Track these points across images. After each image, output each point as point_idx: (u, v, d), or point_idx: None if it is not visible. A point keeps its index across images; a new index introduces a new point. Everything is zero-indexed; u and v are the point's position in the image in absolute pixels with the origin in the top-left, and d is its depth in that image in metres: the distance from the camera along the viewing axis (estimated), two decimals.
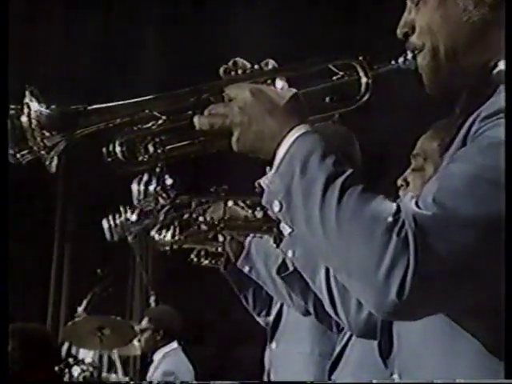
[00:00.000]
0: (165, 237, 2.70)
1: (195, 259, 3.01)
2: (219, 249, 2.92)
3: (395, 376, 1.50)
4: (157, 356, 5.52)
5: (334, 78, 1.60)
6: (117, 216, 2.71)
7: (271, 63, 1.55)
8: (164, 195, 2.38)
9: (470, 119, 1.34)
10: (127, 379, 5.96)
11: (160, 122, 1.52)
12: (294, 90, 1.49)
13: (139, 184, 2.41)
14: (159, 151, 1.52)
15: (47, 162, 1.46)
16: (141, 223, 2.66)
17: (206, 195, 2.59)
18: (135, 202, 2.46)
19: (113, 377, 5.68)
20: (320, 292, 2.11)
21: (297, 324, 2.70)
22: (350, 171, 1.34)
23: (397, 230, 1.24)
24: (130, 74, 5.77)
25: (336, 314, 2.12)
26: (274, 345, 2.90)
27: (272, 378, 2.87)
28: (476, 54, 1.49)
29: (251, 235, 2.72)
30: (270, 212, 1.44)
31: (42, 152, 1.44)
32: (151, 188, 2.39)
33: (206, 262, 3.02)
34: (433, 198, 1.26)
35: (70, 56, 5.96)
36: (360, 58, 1.58)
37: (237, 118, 1.45)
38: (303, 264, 2.10)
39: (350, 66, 1.58)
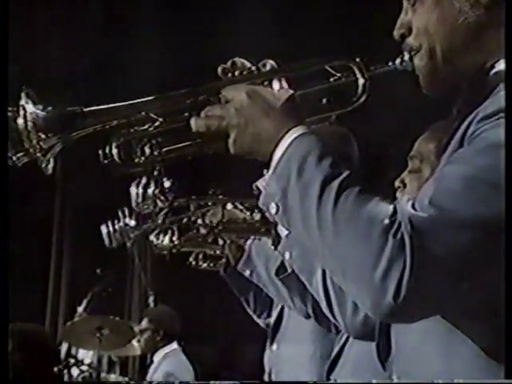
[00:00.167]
0: (163, 241, 2.70)
1: (194, 262, 3.01)
2: (218, 252, 2.92)
3: (394, 377, 1.50)
4: (157, 357, 5.52)
5: (331, 79, 1.60)
6: (115, 221, 2.71)
7: (269, 64, 1.55)
8: (162, 198, 2.38)
9: (467, 120, 1.34)
10: (126, 379, 5.96)
11: (157, 123, 1.52)
12: (291, 92, 1.49)
13: (137, 187, 2.42)
14: (156, 153, 1.52)
15: (43, 165, 1.46)
16: (140, 228, 2.66)
17: (204, 198, 2.59)
18: (134, 204, 2.46)
19: (112, 377, 5.68)
20: (317, 294, 2.12)
21: (298, 326, 2.70)
22: (346, 173, 1.34)
23: (393, 232, 1.24)
24: (130, 74, 5.76)
25: (333, 315, 2.12)
26: (275, 347, 2.89)
27: (274, 380, 2.87)
28: (472, 55, 1.49)
29: (251, 238, 2.72)
30: (267, 214, 1.44)
31: (38, 154, 1.44)
32: (149, 191, 2.39)
33: (205, 265, 3.02)
34: (429, 199, 1.26)
35: (68, 57, 5.96)
36: (357, 59, 1.57)
37: (233, 120, 1.45)
38: (300, 266, 2.10)
39: (347, 67, 1.58)
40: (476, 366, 1.32)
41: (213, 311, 6.15)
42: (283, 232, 2.00)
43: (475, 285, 1.27)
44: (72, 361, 5.03)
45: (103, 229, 2.74)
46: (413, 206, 1.27)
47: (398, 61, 1.56)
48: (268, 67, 1.54)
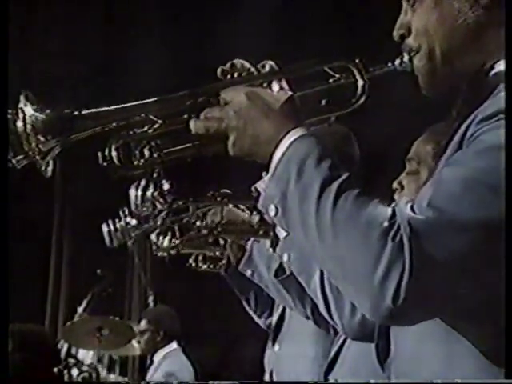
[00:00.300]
0: (162, 243, 2.70)
1: (193, 264, 3.01)
2: (217, 253, 2.92)
3: (393, 378, 1.50)
4: (157, 357, 5.52)
5: (331, 80, 1.60)
6: (116, 220, 2.71)
7: (269, 65, 1.54)
8: (161, 200, 2.38)
9: (466, 122, 1.34)
10: (126, 379, 5.97)
11: (156, 125, 1.52)
12: (290, 93, 1.49)
13: (136, 189, 2.42)
14: (155, 155, 1.52)
15: (43, 168, 1.46)
16: (141, 227, 2.66)
17: (203, 200, 2.59)
18: (133, 207, 2.46)
19: (112, 377, 5.68)
20: (315, 295, 2.12)
21: (300, 327, 2.69)
22: (345, 175, 1.34)
23: (392, 235, 1.24)
24: (130, 75, 5.76)
25: (330, 317, 2.12)
26: (276, 347, 2.89)
27: (275, 380, 2.87)
28: (472, 56, 1.49)
29: (252, 238, 2.72)
30: (266, 216, 1.44)
31: (37, 157, 1.44)
32: (148, 193, 2.39)
33: (205, 266, 3.02)
34: (428, 202, 1.26)
35: (68, 57, 5.96)
36: (356, 60, 1.57)
37: (232, 122, 1.45)
38: (298, 268, 2.10)
39: (346, 68, 1.58)
40: (475, 368, 1.32)
41: (213, 311, 6.14)
42: (281, 234, 2.00)
43: (474, 287, 1.26)
44: (72, 361, 5.02)
45: (104, 228, 2.73)
46: (412, 209, 1.27)
47: (397, 62, 1.56)
48: (267, 68, 1.54)
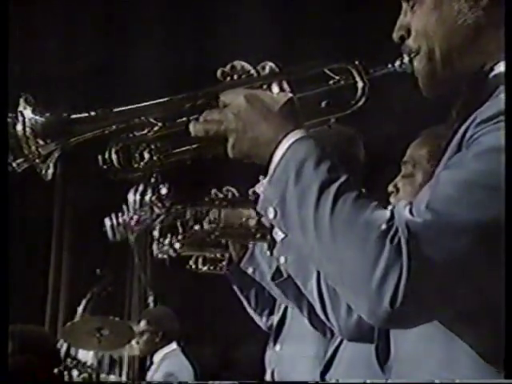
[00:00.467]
0: (163, 245, 2.71)
1: (194, 266, 3.02)
2: (218, 255, 2.93)
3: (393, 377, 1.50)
4: (157, 357, 5.52)
5: (331, 81, 1.59)
6: (119, 215, 2.71)
7: (269, 66, 1.54)
8: (159, 204, 2.39)
9: (466, 124, 1.34)
10: (125, 379, 5.96)
11: (156, 128, 1.52)
12: (290, 95, 1.49)
13: (135, 194, 2.43)
14: (155, 158, 1.52)
15: (43, 171, 1.45)
16: (143, 222, 2.66)
17: (201, 204, 2.60)
18: (131, 211, 2.47)
19: (112, 378, 5.68)
20: (311, 297, 2.13)
21: (301, 327, 2.69)
22: (344, 177, 1.34)
23: (390, 238, 1.24)
24: (130, 75, 5.76)
25: (327, 318, 2.13)
26: (278, 347, 2.89)
27: (276, 380, 2.87)
28: (471, 57, 1.49)
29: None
30: (263, 219, 1.44)
31: (37, 160, 1.44)
32: (146, 198, 2.40)
33: (205, 268, 3.03)
34: (426, 204, 1.26)
35: (68, 58, 5.95)
36: (356, 62, 1.57)
37: (232, 125, 1.45)
38: (295, 270, 2.11)
39: (346, 70, 1.58)
40: (475, 369, 1.32)
41: (213, 311, 6.14)
42: (278, 236, 2.00)
43: (473, 289, 1.26)
44: (74, 362, 5.02)
45: (107, 221, 2.73)
46: (410, 211, 1.26)
47: (397, 63, 1.55)
48: (267, 70, 1.54)
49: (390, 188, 2.28)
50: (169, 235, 2.68)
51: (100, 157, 1.51)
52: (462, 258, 1.23)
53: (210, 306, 6.13)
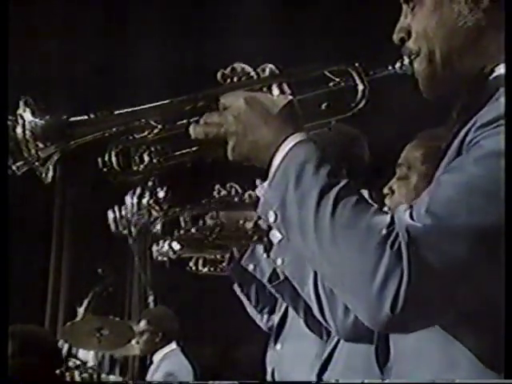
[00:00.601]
0: (162, 247, 2.71)
1: (194, 268, 3.03)
2: (218, 256, 2.93)
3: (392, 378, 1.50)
4: (156, 357, 5.52)
5: (331, 84, 1.59)
6: (122, 207, 2.71)
7: (269, 68, 1.54)
8: (157, 208, 2.40)
9: (466, 127, 1.34)
10: (126, 379, 5.97)
11: (155, 130, 1.51)
12: (290, 98, 1.48)
13: (132, 197, 2.43)
14: (155, 161, 1.52)
15: (43, 174, 1.45)
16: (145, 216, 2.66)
17: (199, 207, 2.60)
18: (129, 215, 2.47)
19: (112, 378, 5.69)
20: (308, 298, 2.13)
21: (303, 325, 2.70)
22: (344, 182, 1.34)
23: (390, 243, 1.24)
24: (130, 76, 5.76)
25: (324, 319, 2.13)
26: (279, 346, 2.90)
27: (277, 379, 2.87)
28: (471, 59, 1.48)
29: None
30: (260, 221, 1.44)
31: (37, 164, 1.44)
32: (144, 201, 2.41)
33: (205, 270, 3.03)
34: (425, 208, 1.26)
35: (68, 58, 5.95)
36: (356, 64, 1.57)
37: (232, 127, 1.45)
38: (292, 271, 2.11)
39: (346, 72, 1.58)
40: (475, 371, 1.32)
41: (213, 311, 6.15)
42: (275, 239, 2.01)
43: (473, 294, 1.26)
44: (76, 363, 5.02)
45: (110, 214, 2.73)
46: (410, 216, 1.26)
47: (397, 65, 1.55)
48: (267, 71, 1.53)
49: (385, 190, 2.29)
50: (168, 237, 2.68)
51: (100, 159, 1.51)
52: (462, 262, 1.23)
53: (210, 305, 6.13)
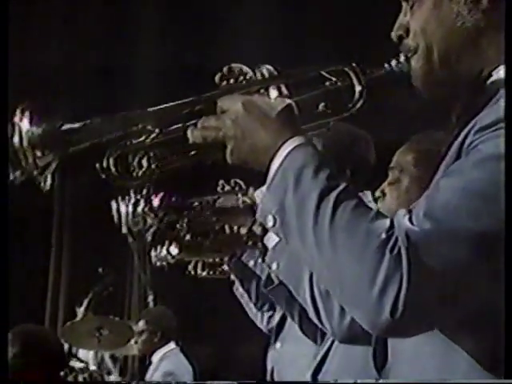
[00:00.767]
0: (160, 252, 2.71)
1: (193, 272, 3.03)
2: (217, 259, 2.94)
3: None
4: (155, 357, 5.52)
5: (327, 83, 1.58)
6: (126, 198, 2.71)
7: (266, 69, 1.54)
8: (152, 215, 2.40)
9: (465, 130, 1.33)
10: (122, 379, 5.97)
11: (153, 135, 1.51)
12: (288, 101, 1.48)
13: (127, 205, 2.43)
14: (153, 166, 1.51)
15: (42, 183, 1.44)
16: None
17: (194, 213, 2.60)
18: (123, 222, 2.47)
19: (111, 378, 5.69)
20: (304, 302, 2.13)
21: None
22: (343, 185, 1.33)
23: (390, 247, 1.23)
24: (130, 77, 5.76)
25: (320, 320, 2.13)
26: (278, 345, 2.90)
27: (275, 378, 2.88)
28: (470, 60, 1.48)
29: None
30: (254, 227, 1.44)
31: (35, 172, 1.42)
32: (139, 209, 2.41)
33: (204, 273, 3.04)
34: (424, 212, 1.25)
35: (68, 59, 5.95)
36: (353, 64, 1.57)
37: (230, 131, 1.44)
38: (287, 275, 2.11)
39: (343, 72, 1.57)
40: (473, 373, 1.32)
41: (212, 311, 6.14)
42: (270, 243, 2.01)
43: (473, 298, 1.26)
44: (80, 364, 5.02)
45: (113, 205, 2.73)
46: (410, 220, 1.26)
47: (393, 62, 1.55)
48: (265, 72, 1.53)
49: (377, 193, 2.30)
50: (166, 242, 2.68)
51: (98, 165, 1.50)
52: (461, 266, 1.22)
53: (210, 305, 6.13)
